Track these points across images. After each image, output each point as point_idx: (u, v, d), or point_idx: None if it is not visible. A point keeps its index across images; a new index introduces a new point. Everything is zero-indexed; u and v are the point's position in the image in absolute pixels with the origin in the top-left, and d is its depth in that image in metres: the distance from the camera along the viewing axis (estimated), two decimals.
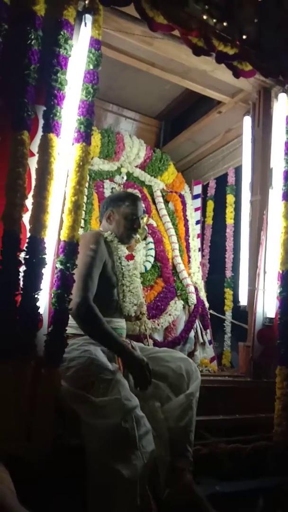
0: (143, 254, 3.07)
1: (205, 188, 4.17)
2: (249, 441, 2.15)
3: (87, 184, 2.93)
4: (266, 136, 2.80)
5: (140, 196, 3.43)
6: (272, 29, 2.62)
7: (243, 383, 2.52)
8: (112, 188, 3.24)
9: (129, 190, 3.42)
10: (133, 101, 3.89)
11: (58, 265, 1.78)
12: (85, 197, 2.94)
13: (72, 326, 1.86)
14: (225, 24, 2.39)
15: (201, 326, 3.08)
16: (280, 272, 2.42)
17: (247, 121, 3.04)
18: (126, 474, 1.44)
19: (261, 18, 2.56)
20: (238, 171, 3.65)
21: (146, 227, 3.25)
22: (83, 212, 2.87)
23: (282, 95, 2.69)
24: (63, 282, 1.77)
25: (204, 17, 2.33)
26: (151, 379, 1.77)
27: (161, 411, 1.79)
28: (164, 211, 3.51)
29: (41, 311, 1.75)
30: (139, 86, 3.59)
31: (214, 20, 2.38)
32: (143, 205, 2.51)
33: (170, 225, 3.44)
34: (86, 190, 2.98)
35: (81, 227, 2.81)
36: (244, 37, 2.45)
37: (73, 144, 1.91)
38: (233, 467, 1.98)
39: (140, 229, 2.23)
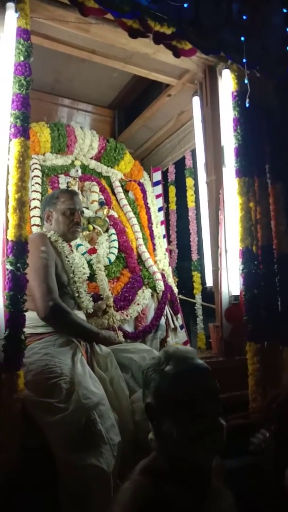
0: (106, 247, 3.02)
1: (165, 174, 4.13)
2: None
3: (32, 180, 2.89)
4: (215, 114, 2.77)
5: (98, 186, 3.37)
6: (211, 4, 2.56)
7: (215, 364, 2.50)
8: (68, 182, 3.16)
9: (87, 182, 3.37)
10: (83, 92, 3.81)
11: (8, 266, 1.73)
12: (38, 194, 2.91)
13: (29, 326, 1.81)
14: (159, 3, 2.33)
15: (171, 311, 3.07)
16: (241, 249, 2.42)
17: (196, 101, 3.00)
18: (103, 465, 1.43)
19: None
20: (194, 153, 3.62)
21: (107, 219, 3.20)
22: (39, 210, 2.80)
23: (225, 71, 2.65)
24: (15, 283, 1.73)
25: None
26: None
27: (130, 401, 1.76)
28: (124, 201, 3.46)
29: None
30: (87, 76, 3.51)
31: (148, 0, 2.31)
32: (81, 199, 2.53)
33: (131, 214, 3.40)
34: (38, 186, 2.97)
35: (38, 225, 2.74)
36: (180, 15, 2.38)
37: (10, 140, 1.84)
38: None
39: (80, 222, 2.22)
